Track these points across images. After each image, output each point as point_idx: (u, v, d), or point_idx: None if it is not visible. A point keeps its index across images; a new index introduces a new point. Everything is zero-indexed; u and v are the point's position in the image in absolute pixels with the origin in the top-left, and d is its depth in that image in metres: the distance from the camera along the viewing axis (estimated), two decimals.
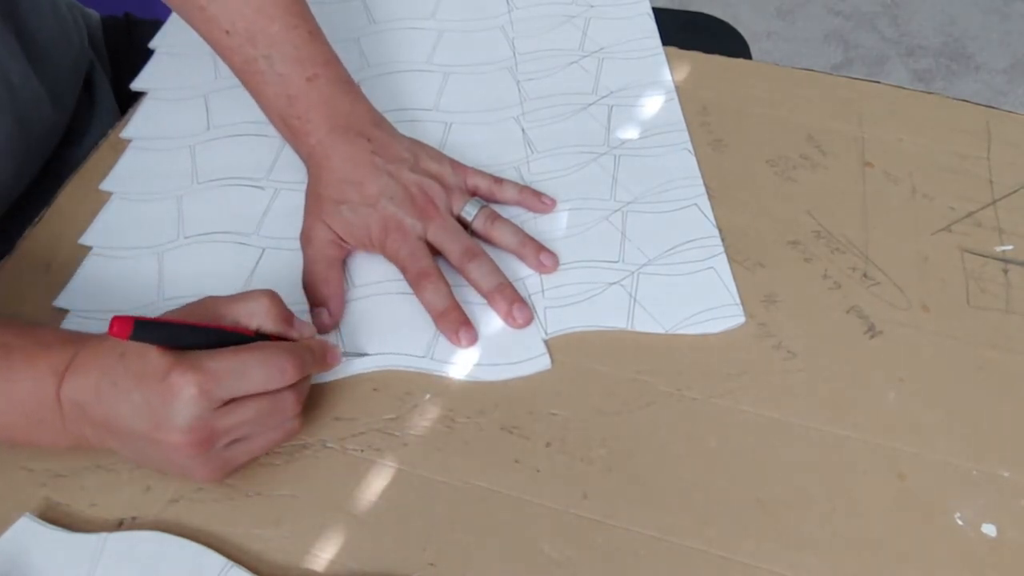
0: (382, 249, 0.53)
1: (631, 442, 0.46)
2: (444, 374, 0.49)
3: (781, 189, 0.57)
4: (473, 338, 0.50)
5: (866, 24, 1.80)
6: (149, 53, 0.69)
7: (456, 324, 0.50)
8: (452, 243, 0.52)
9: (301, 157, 0.56)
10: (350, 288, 0.53)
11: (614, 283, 0.52)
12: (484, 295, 0.51)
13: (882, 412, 0.46)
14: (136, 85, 0.66)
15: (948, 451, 0.45)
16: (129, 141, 0.62)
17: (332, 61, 0.56)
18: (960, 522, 0.42)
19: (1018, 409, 0.46)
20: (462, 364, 0.49)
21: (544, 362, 0.49)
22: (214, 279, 0.54)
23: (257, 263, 0.55)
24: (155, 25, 0.75)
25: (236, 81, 0.65)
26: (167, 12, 0.71)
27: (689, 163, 0.58)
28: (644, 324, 0.50)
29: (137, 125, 0.64)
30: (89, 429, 0.42)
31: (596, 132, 0.61)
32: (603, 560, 0.42)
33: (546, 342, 0.50)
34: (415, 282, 0.51)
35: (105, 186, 0.59)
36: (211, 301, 0.44)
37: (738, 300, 0.51)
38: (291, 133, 0.56)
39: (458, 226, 0.53)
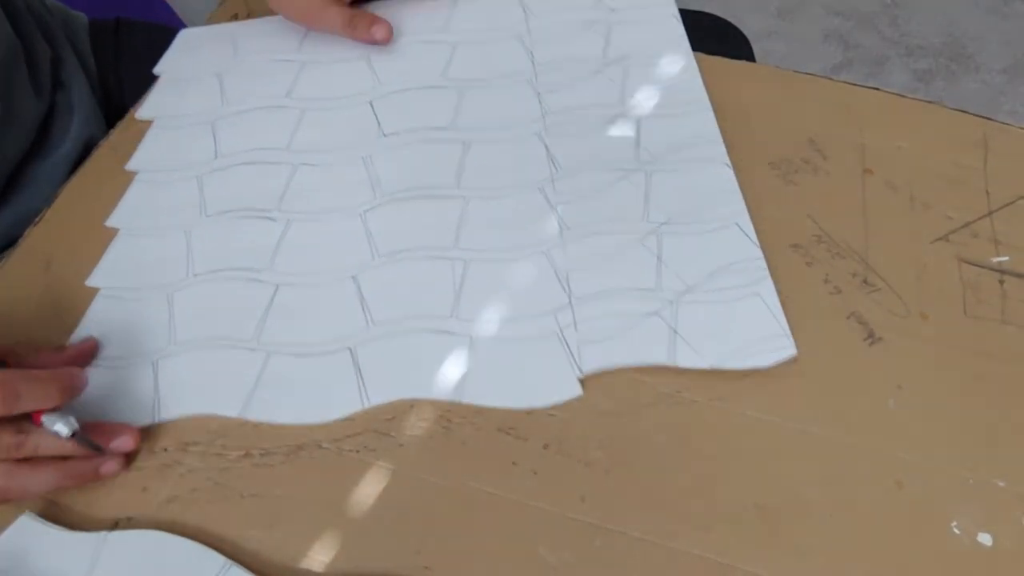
0: None
1: (630, 445, 0.46)
2: (472, 403, 0.47)
3: (783, 192, 0.57)
4: (388, 30, 0.58)
5: (866, 24, 1.80)
6: (136, 54, 0.68)
7: (367, 22, 0.56)
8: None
9: None
10: (370, 326, 0.50)
11: (652, 313, 0.49)
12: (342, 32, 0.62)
13: (881, 419, 0.46)
14: (141, 114, 0.65)
15: (945, 459, 0.45)
16: (135, 173, 0.61)
17: None
18: (956, 531, 0.42)
19: (1014, 419, 0.46)
20: (492, 397, 0.47)
21: (576, 391, 0.47)
22: (227, 319, 0.52)
23: (272, 299, 0.52)
24: (144, 27, 0.75)
25: (244, 106, 0.64)
26: (161, 16, 0.70)
27: (727, 178, 0.55)
28: (687, 358, 0.47)
29: (142, 156, 0.62)
30: None
31: (625, 147, 0.57)
32: (600, 564, 0.42)
33: (580, 380, 0.47)
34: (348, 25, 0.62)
35: (111, 222, 0.58)
36: None
37: (787, 330, 0.48)
38: None
39: None
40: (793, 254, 0.53)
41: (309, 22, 0.65)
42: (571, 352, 0.48)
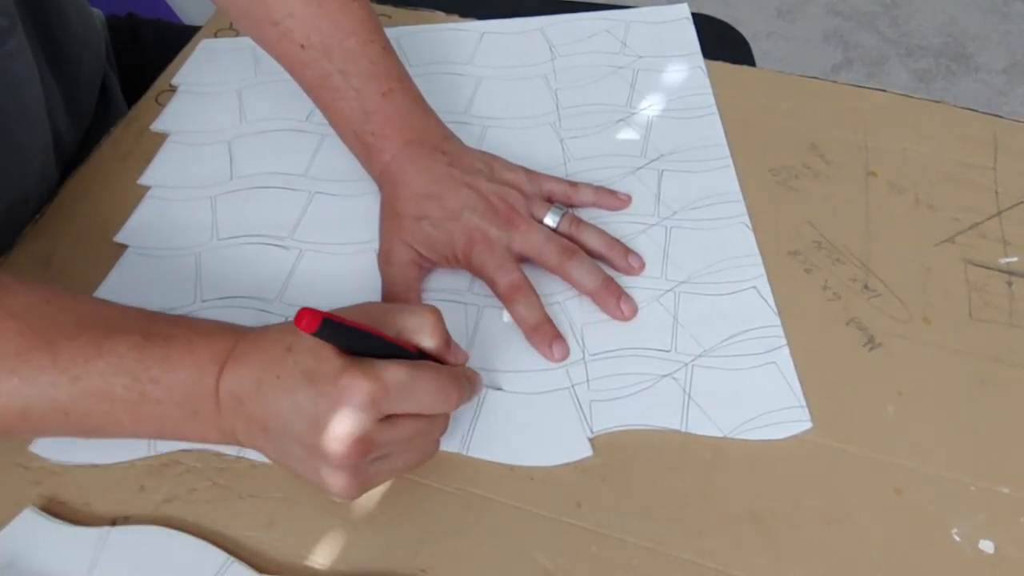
0: (467, 263, 0.51)
1: (626, 451, 0.46)
2: (480, 457, 0.46)
3: (783, 198, 0.56)
4: (565, 352, 0.49)
5: (866, 24, 1.80)
6: (154, 55, 0.67)
7: (549, 337, 0.49)
8: (547, 245, 0.51)
9: (372, 175, 0.55)
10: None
11: (666, 375, 0.48)
12: (589, 293, 0.50)
13: (880, 426, 0.46)
14: (157, 126, 0.63)
15: (947, 466, 0.45)
16: (148, 188, 0.59)
17: (405, 76, 0.55)
18: (957, 538, 0.42)
19: (1019, 424, 0.46)
20: (497, 453, 0.46)
21: (586, 451, 0.46)
22: None
23: None
24: (158, 25, 0.74)
25: (264, 126, 0.62)
26: (170, 13, 0.69)
27: (747, 240, 0.54)
28: (699, 426, 0.46)
29: (156, 171, 0.60)
30: (242, 424, 0.40)
31: (646, 198, 0.57)
32: (596, 570, 0.42)
33: (591, 440, 0.46)
34: (507, 295, 0.50)
35: (120, 238, 0.56)
36: (376, 308, 0.42)
37: (803, 402, 0.47)
38: (364, 149, 0.54)
39: (547, 229, 0.52)
40: (791, 261, 0.53)
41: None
42: (582, 411, 0.47)
